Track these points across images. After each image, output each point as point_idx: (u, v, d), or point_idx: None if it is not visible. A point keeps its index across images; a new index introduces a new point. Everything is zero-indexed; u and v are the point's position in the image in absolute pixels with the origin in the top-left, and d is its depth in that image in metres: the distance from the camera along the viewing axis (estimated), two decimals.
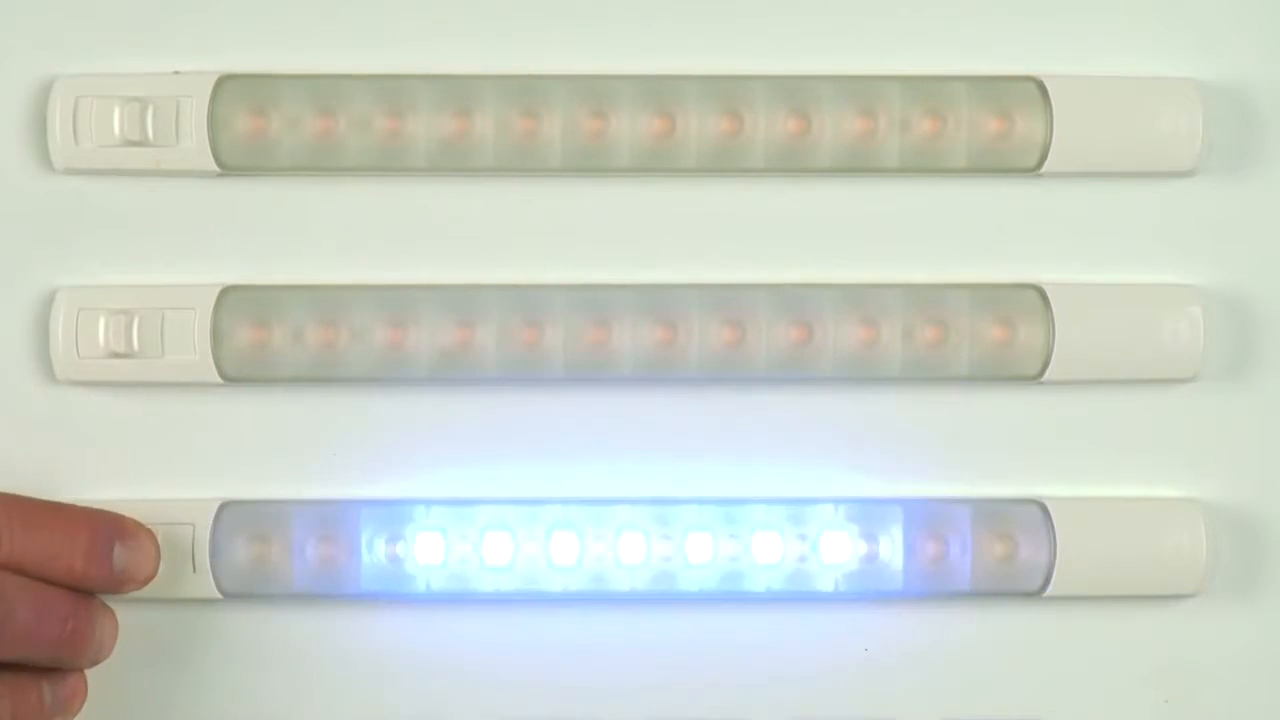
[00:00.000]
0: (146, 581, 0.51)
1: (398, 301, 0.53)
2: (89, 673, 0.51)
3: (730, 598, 0.53)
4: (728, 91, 0.53)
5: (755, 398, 0.54)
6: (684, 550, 0.53)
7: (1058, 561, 0.53)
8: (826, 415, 0.54)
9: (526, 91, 0.53)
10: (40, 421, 0.53)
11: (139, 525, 0.51)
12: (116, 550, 0.50)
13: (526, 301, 0.53)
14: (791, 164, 0.54)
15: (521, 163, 0.53)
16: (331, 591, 0.53)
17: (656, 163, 0.53)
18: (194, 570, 0.52)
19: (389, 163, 0.53)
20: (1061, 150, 0.53)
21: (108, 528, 0.50)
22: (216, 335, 0.53)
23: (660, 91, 0.53)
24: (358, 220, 0.54)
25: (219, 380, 0.53)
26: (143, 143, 0.52)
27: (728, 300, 0.53)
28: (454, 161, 0.53)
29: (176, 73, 0.53)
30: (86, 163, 0.53)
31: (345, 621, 0.54)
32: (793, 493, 0.54)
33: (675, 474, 0.54)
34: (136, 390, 0.53)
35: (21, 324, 0.53)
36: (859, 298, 0.53)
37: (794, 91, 0.53)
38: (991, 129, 0.53)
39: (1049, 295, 0.53)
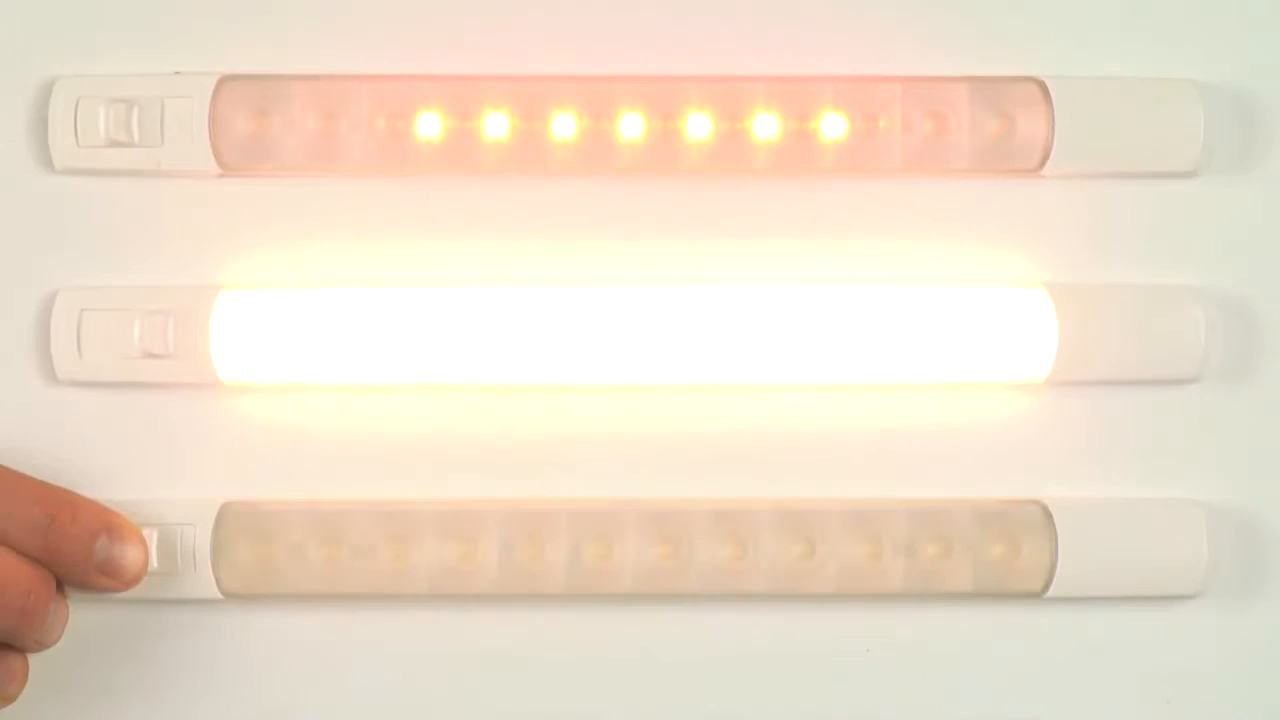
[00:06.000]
0: (130, 583, 0.51)
1: (399, 303, 0.53)
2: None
3: (730, 598, 0.53)
4: (729, 94, 0.53)
5: (755, 397, 0.54)
6: (684, 550, 0.53)
7: (1059, 563, 0.53)
8: (827, 415, 0.54)
9: (532, 95, 0.53)
10: (42, 422, 0.53)
11: (131, 526, 0.51)
12: (102, 541, 0.50)
13: (528, 303, 0.53)
14: (791, 167, 0.53)
15: (526, 168, 0.53)
16: (332, 592, 0.53)
17: (655, 164, 0.53)
18: (194, 570, 0.52)
19: (390, 163, 0.53)
20: (1063, 151, 0.53)
21: (99, 518, 0.51)
22: (217, 336, 0.53)
23: (661, 93, 0.53)
24: (358, 221, 0.54)
25: (220, 381, 0.53)
26: (143, 143, 0.52)
27: (728, 301, 0.53)
28: (456, 165, 0.53)
29: (177, 73, 0.53)
30: (87, 163, 0.53)
31: (346, 621, 0.54)
32: (793, 491, 0.54)
33: (675, 474, 0.54)
34: (139, 392, 0.53)
35: (21, 325, 0.53)
36: (858, 298, 0.53)
37: (793, 96, 0.53)
38: (993, 130, 0.53)
39: (1050, 296, 0.53)
